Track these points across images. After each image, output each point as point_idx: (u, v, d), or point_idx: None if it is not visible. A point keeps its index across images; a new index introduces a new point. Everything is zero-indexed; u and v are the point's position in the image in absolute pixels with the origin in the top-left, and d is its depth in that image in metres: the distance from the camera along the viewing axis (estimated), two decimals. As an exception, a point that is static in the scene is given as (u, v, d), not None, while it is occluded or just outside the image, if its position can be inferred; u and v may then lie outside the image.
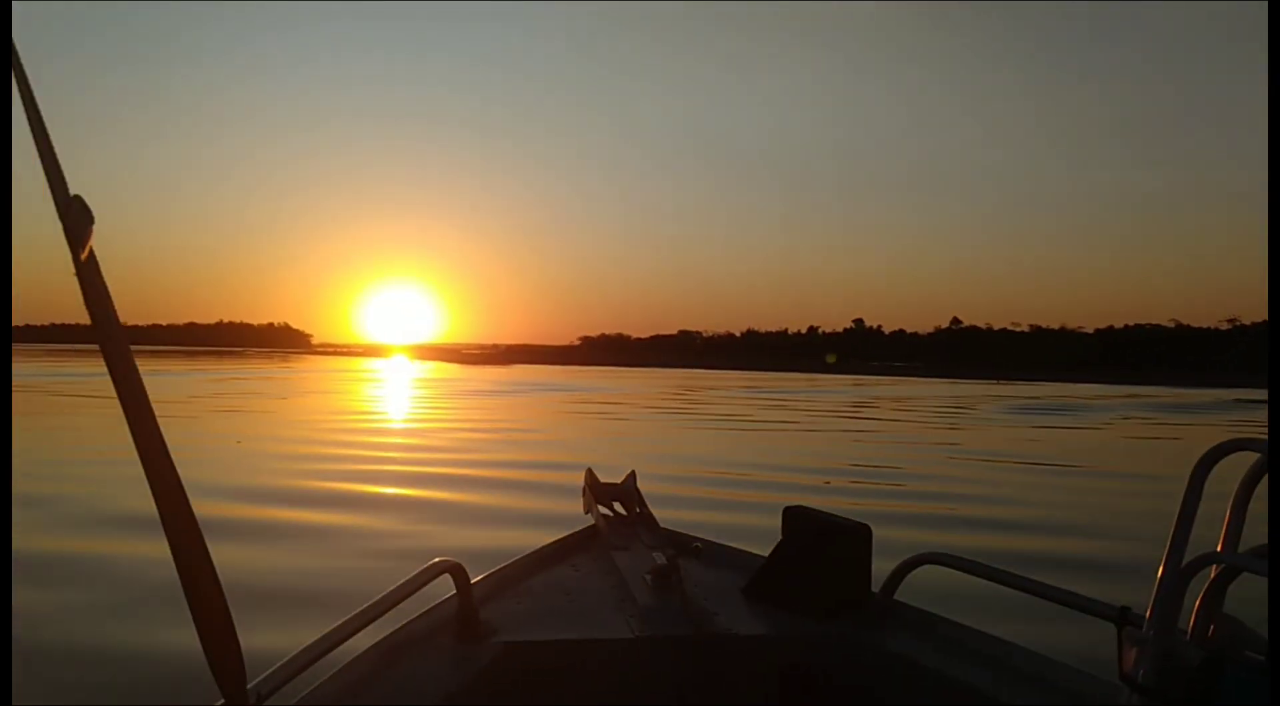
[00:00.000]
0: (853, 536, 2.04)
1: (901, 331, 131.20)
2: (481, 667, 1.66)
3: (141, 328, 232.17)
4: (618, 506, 2.73)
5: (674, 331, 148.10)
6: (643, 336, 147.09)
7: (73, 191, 0.94)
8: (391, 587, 1.60)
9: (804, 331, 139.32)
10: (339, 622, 1.45)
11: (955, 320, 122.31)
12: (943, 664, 1.74)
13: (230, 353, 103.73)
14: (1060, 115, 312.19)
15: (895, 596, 1.98)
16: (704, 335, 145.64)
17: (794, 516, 2.13)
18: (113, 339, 0.99)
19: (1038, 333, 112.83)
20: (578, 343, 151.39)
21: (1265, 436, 1.27)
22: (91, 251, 0.98)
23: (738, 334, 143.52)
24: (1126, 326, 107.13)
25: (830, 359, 75.65)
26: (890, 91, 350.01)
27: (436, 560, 1.73)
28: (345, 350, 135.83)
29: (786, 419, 18.28)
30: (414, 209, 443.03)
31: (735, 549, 2.39)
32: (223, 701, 1.11)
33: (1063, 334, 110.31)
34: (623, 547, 2.38)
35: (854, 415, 20.06)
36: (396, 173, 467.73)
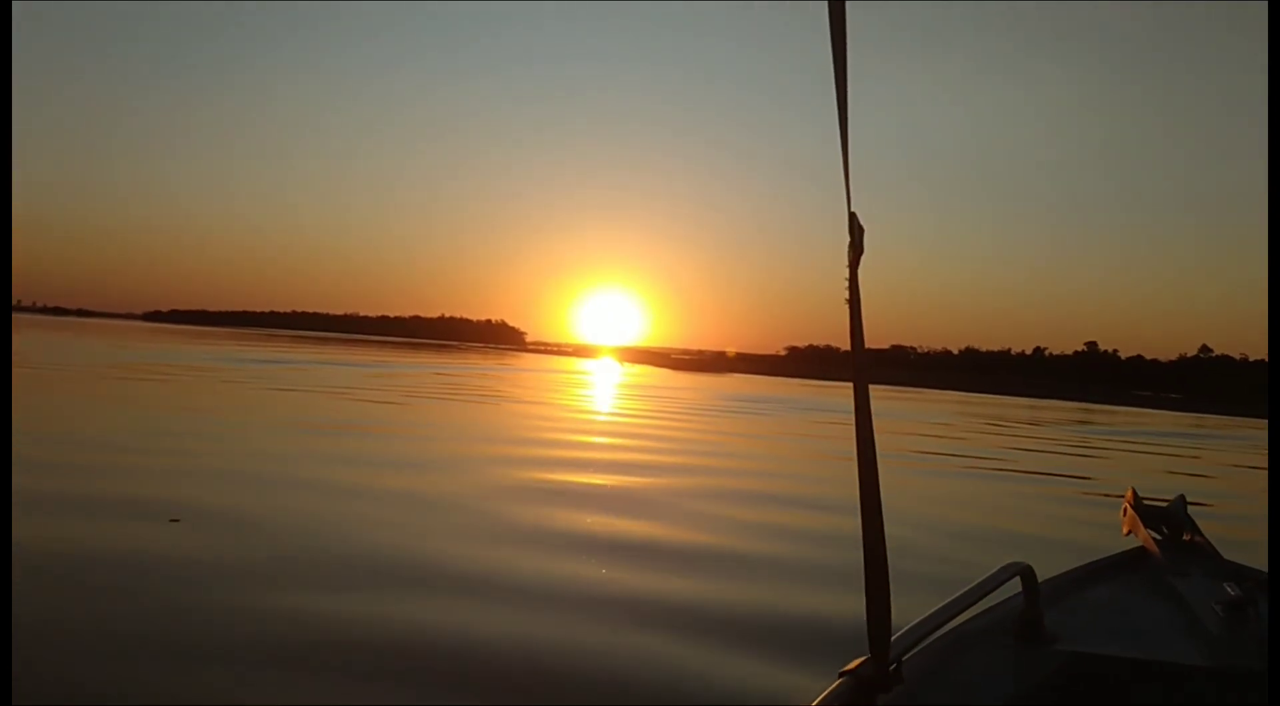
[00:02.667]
0: None
1: (1140, 357, 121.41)
2: (1046, 674, 1.67)
3: (370, 319, 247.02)
4: (1164, 530, 2.55)
5: (886, 345, 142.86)
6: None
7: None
8: (969, 585, 1.65)
9: (1029, 352, 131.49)
10: (929, 612, 1.54)
11: (1204, 348, 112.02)
12: None
13: (445, 346, 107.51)
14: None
15: None
16: (918, 350, 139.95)
17: None
18: (857, 337, 1.24)
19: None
20: (784, 353, 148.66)
21: None
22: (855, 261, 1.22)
23: (955, 351, 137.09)
24: None
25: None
26: (1154, 102, 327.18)
27: (1010, 562, 1.77)
28: (556, 349, 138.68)
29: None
30: (626, 217, 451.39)
31: None
32: (868, 656, 1.31)
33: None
34: (1180, 573, 2.23)
35: None
36: (613, 182, 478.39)
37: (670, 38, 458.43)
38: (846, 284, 1.20)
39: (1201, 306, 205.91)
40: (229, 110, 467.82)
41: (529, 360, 62.64)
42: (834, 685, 1.28)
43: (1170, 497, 2.68)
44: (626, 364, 72.72)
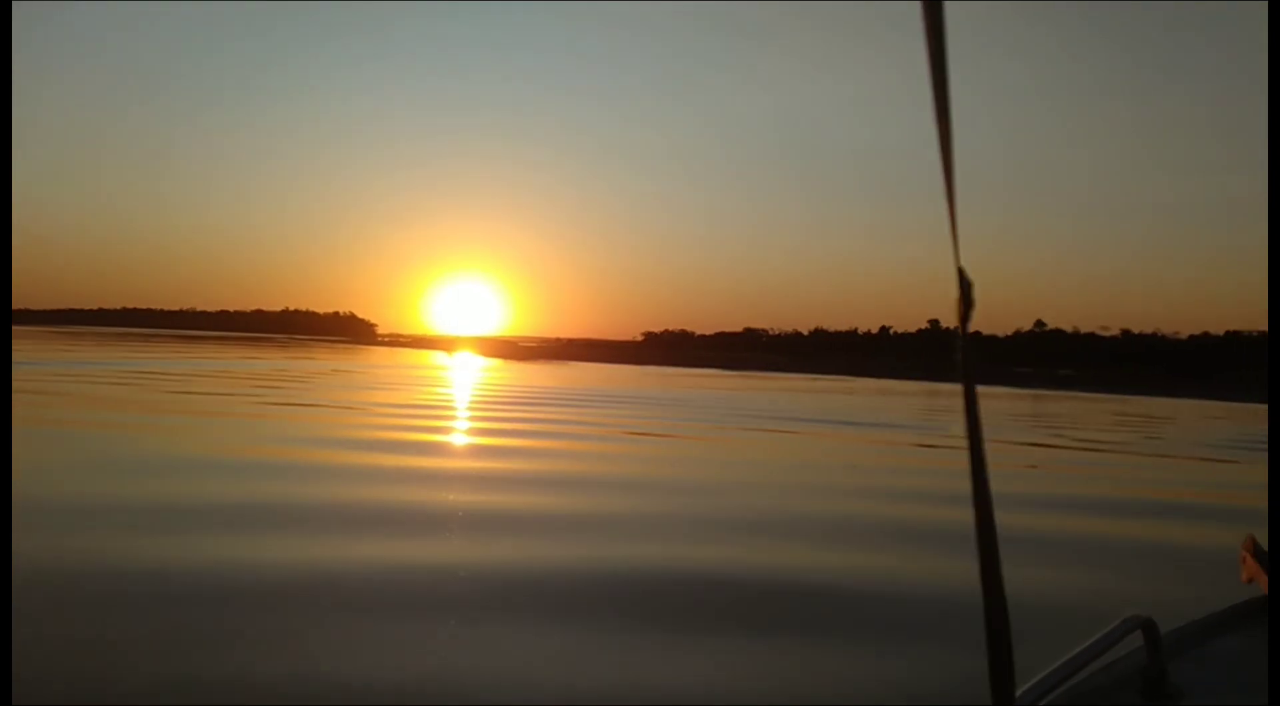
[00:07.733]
0: None
1: (978, 332, 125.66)
2: None
3: (208, 314, 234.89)
4: None
5: (739, 328, 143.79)
6: (706, 333, 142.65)
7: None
8: (1088, 641, 1.62)
9: (875, 331, 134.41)
10: (1043, 674, 1.51)
11: (1039, 323, 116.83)
12: None
13: (268, 340, 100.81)
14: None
15: None
16: (770, 332, 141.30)
17: None
18: (971, 397, 1.15)
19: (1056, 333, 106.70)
20: (640, 338, 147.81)
21: None
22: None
23: (805, 332, 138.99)
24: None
25: None
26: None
27: (1131, 615, 1.72)
28: (393, 340, 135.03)
29: None
30: (483, 205, 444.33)
31: None
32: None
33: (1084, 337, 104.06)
34: None
35: None
36: (464, 171, 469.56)
37: (529, 25, 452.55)
38: (960, 344, 1.08)
39: (1034, 282, 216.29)
40: (46, 101, 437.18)
41: (354, 354, 58.44)
42: None
43: None
44: (464, 354, 69.62)
